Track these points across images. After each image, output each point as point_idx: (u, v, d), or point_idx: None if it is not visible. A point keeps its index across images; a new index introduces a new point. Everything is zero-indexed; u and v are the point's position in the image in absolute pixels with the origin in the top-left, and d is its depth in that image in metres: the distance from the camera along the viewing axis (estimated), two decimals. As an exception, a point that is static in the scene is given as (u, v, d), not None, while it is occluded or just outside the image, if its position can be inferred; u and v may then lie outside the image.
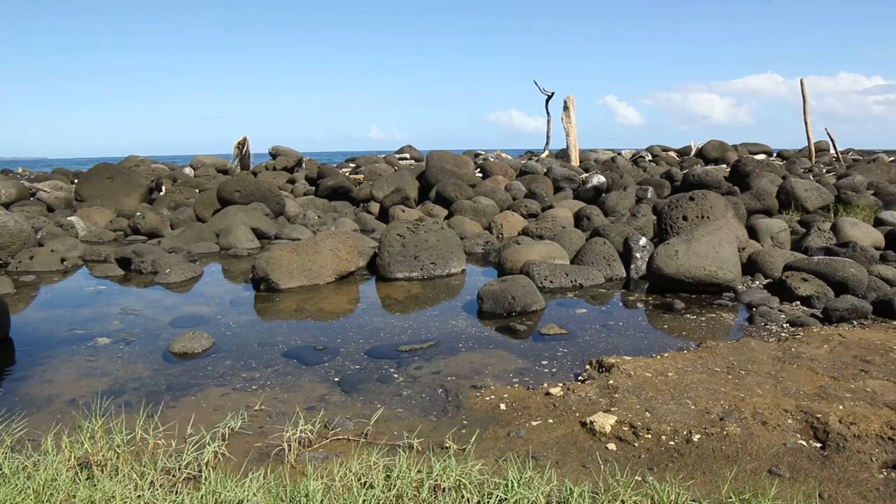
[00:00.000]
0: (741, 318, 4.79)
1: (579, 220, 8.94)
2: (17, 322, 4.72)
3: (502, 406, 3.10)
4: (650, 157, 19.99)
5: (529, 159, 18.12)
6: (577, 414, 2.91)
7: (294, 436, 2.65)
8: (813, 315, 4.68)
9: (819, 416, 2.71)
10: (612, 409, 2.90)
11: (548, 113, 20.91)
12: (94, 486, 2.16)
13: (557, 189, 12.15)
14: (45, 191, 12.54)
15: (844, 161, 18.18)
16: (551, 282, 5.76)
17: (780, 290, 5.27)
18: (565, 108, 18.59)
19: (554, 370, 3.71)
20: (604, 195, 10.74)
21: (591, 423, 2.76)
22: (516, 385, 3.43)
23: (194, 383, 3.55)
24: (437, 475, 2.23)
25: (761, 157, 18.51)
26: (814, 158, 18.93)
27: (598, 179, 11.72)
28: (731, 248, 5.52)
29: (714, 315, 4.88)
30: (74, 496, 2.11)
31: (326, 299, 5.60)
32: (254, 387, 3.48)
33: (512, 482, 2.16)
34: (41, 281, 6.52)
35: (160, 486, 2.22)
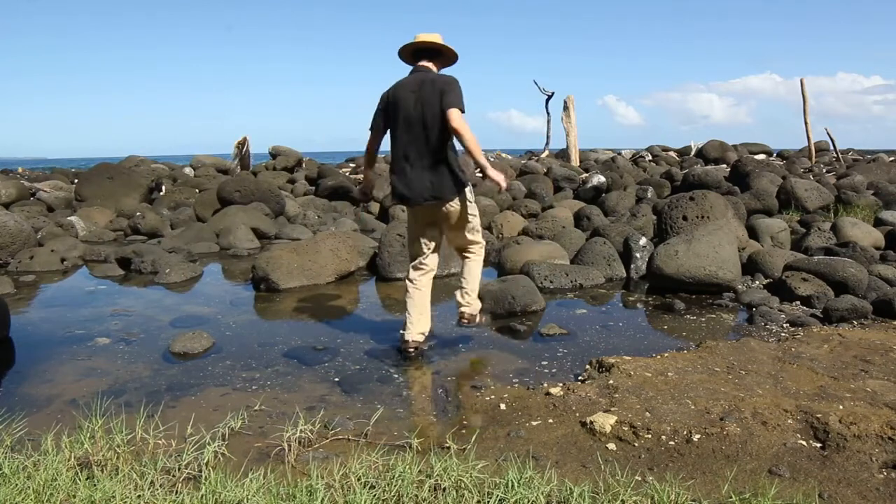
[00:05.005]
0: (741, 318, 4.79)
1: (579, 220, 8.93)
2: (17, 322, 4.72)
3: (502, 406, 3.10)
4: (650, 157, 19.99)
5: (529, 159, 18.11)
6: (577, 414, 2.91)
7: (294, 436, 2.65)
8: (813, 315, 4.68)
9: (819, 415, 2.71)
10: (612, 408, 2.90)
11: (548, 113, 20.92)
12: (94, 486, 2.16)
13: (557, 189, 12.15)
14: (45, 191, 12.54)
15: (844, 161, 18.18)
16: (551, 282, 5.76)
17: (780, 290, 5.27)
18: (565, 108, 18.59)
19: (554, 370, 3.71)
20: (604, 195, 10.73)
21: (591, 423, 2.76)
22: (516, 385, 3.43)
23: (194, 383, 3.55)
24: (437, 475, 2.23)
25: (761, 157, 18.49)
26: (814, 158, 18.93)
27: (598, 179, 11.71)
28: (731, 248, 5.52)
29: (714, 315, 4.88)
30: (74, 496, 2.11)
31: (326, 299, 5.60)
32: (254, 387, 3.48)
33: (512, 482, 2.16)
34: (41, 281, 6.53)
35: (160, 486, 2.22)
